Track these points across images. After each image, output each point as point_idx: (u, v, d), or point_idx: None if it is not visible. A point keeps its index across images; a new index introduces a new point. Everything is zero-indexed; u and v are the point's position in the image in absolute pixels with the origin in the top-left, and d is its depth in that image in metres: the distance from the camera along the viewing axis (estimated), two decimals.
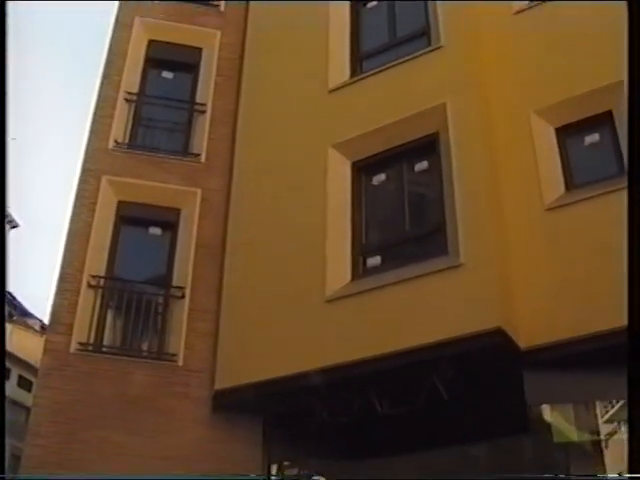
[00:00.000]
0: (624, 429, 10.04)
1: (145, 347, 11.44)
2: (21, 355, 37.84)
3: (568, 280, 9.06)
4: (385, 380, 9.26)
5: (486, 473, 11.09)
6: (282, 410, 10.10)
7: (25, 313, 45.57)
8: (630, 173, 6.55)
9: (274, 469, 11.03)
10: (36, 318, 44.03)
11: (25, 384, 35.01)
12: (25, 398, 30.35)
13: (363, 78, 11.57)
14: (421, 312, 9.07)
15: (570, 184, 9.95)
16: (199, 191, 12.04)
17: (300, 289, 10.09)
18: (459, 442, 10.35)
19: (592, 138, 10.31)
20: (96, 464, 10.00)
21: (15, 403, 37.34)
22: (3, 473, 6.30)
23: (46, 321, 11.00)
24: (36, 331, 40.14)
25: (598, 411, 9.76)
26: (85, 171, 12.09)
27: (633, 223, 5.71)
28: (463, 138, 9.91)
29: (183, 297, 11.18)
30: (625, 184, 7.60)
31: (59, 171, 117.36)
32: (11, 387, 38.73)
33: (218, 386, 10.31)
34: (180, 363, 10.70)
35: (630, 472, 5.12)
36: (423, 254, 9.83)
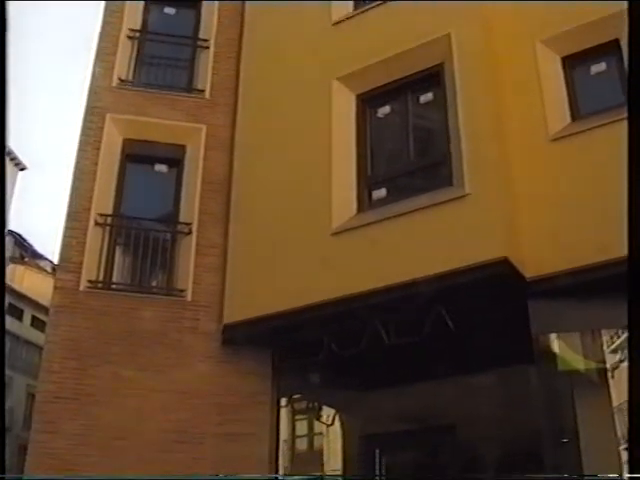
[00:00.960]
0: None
1: (154, 283, 11.54)
2: (33, 296, 38.27)
3: (573, 210, 9.04)
4: (391, 311, 9.32)
5: (491, 403, 11.31)
6: (290, 343, 10.22)
7: (36, 255, 45.89)
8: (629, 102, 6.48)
9: (283, 401, 11.22)
10: (47, 259, 44.35)
11: (38, 324, 35.44)
12: (38, 338, 30.74)
13: (367, 10, 11.39)
14: (427, 243, 9.08)
15: (576, 114, 9.87)
16: (204, 127, 11.98)
17: (306, 222, 10.13)
18: (464, 372, 10.50)
19: (598, 67, 10.20)
20: (108, 399, 10.19)
21: (29, 343, 37.94)
22: (3, 473, 6.40)
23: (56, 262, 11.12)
24: (48, 272, 40.48)
25: (604, 340, 9.84)
26: (89, 109, 12.03)
27: (633, 151, 5.68)
28: (467, 69, 9.80)
29: (190, 233, 11.22)
30: None
31: (64, 111, 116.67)
32: (25, 327, 39.29)
33: (227, 320, 10.43)
34: (189, 298, 10.80)
35: (630, 472, 5.14)
36: (428, 186, 9.82)
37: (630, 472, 5.06)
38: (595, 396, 10.06)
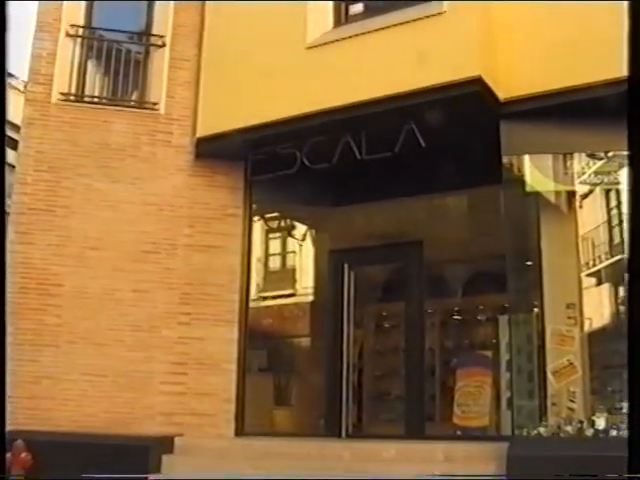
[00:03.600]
0: (599, 189, 10.31)
1: (127, 97, 11.37)
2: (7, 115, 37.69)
3: (551, 31, 8.87)
4: (365, 126, 9.35)
5: (459, 223, 11.54)
6: (263, 157, 10.22)
7: (8, 74, 44.89)
8: None
9: (257, 218, 11.40)
10: (19, 79, 43.43)
11: (12, 144, 35.09)
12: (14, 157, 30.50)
13: None
14: (402, 59, 8.92)
15: None
16: None
17: (281, 36, 9.88)
18: (433, 191, 10.66)
19: None
20: (81, 211, 10.32)
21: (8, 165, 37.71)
22: (3, 473, 6.46)
23: None
24: (20, 91, 39.72)
25: (575, 170, 9.93)
26: None
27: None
28: None
29: (164, 46, 10.96)
30: None
31: None
32: None
33: (200, 133, 10.40)
34: (162, 111, 10.72)
35: (630, 472, 5.21)
36: (406, 1, 9.56)
37: (630, 472, 5.15)
38: (561, 222, 10.25)
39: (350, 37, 9.51)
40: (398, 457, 9.00)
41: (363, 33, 9.41)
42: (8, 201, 8.88)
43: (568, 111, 8.67)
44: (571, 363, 9.25)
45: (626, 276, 10.73)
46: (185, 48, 10.92)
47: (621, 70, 8.28)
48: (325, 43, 9.68)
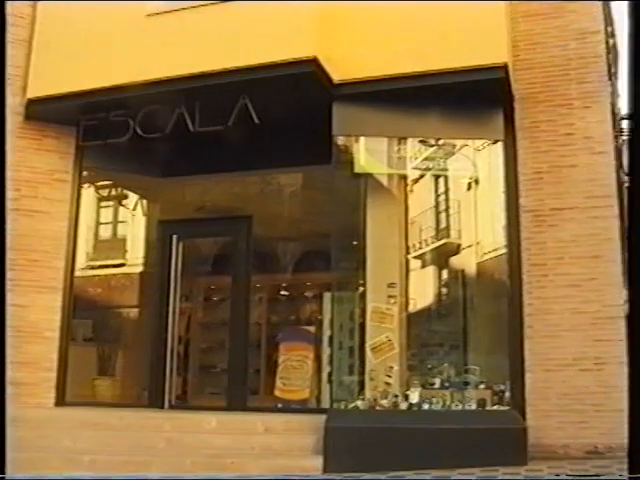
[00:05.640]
0: (429, 175, 10.70)
1: None
2: None
3: (391, 19, 9.14)
4: (200, 99, 9.33)
5: (289, 200, 11.70)
6: (96, 123, 10.01)
7: None
8: None
9: (87, 185, 11.16)
10: None
11: None
12: None
13: None
14: (239, 34, 8.98)
15: None
16: None
17: (122, 2, 9.66)
18: (268, 167, 10.76)
19: None
20: None
21: None
22: (3, 473, 6.12)
23: None
24: None
25: (409, 155, 10.26)
26: None
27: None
28: None
29: None
30: None
31: None
32: None
33: (31, 94, 10.04)
34: None
35: (630, 472, 5.37)
36: None
37: (630, 472, 5.32)
38: (390, 204, 10.60)
39: (192, 7, 9.44)
40: (218, 428, 9.13)
41: (204, 4, 9.38)
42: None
43: (403, 97, 8.99)
44: (389, 340, 9.62)
45: (453, 260, 11.35)
46: (22, 4, 10.45)
47: (457, 61, 8.75)
48: (165, 12, 9.56)
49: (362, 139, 9.91)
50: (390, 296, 9.96)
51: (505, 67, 8.79)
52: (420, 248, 11.32)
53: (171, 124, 9.48)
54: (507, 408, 8.78)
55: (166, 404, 10.64)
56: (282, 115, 9.23)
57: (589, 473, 7.83)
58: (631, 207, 5.49)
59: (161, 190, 11.79)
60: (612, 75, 15.32)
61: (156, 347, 10.92)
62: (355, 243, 10.06)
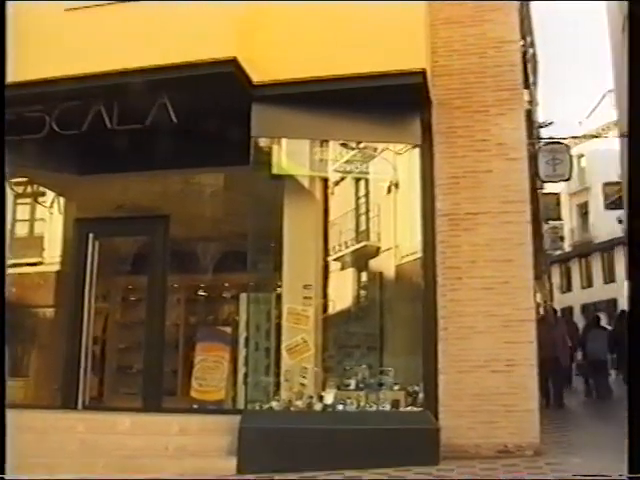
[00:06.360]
0: (350, 178, 10.78)
1: None
2: None
3: (309, 24, 9.23)
4: (118, 96, 9.20)
5: (207, 200, 11.66)
6: (11, 119, 9.80)
7: None
8: None
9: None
10: None
11: None
12: None
13: None
14: (160, 33, 8.91)
15: None
16: None
17: None
18: (186, 167, 10.72)
19: None
20: None
21: None
22: (3, 473, 5.94)
23: None
24: None
25: (330, 157, 10.33)
26: None
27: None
28: None
29: None
30: None
31: None
32: None
33: None
34: None
35: (630, 472, 5.41)
36: None
37: (630, 472, 5.36)
38: (309, 206, 10.67)
39: (109, 3, 9.31)
40: (133, 429, 9.07)
41: (123, 0, 9.26)
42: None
43: (322, 100, 9.07)
44: (305, 341, 9.68)
45: (372, 262, 11.46)
46: None
47: (375, 65, 8.85)
48: (85, 7, 9.37)
49: (284, 141, 9.96)
50: (306, 297, 10.02)
51: (423, 73, 8.93)
52: (340, 250, 11.41)
53: (88, 121, 9.31)
54: (420, 409, 8.93)
55: (80, 405, 10.52)
56: (203, 115, 9.19)
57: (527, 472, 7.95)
58: (631, 207, 5.58)
59: (78, 188, 11.60)
60: (531, 84, 15.70)
61: (70, 347, 10.79)
62: (272, 244, 10.10)
